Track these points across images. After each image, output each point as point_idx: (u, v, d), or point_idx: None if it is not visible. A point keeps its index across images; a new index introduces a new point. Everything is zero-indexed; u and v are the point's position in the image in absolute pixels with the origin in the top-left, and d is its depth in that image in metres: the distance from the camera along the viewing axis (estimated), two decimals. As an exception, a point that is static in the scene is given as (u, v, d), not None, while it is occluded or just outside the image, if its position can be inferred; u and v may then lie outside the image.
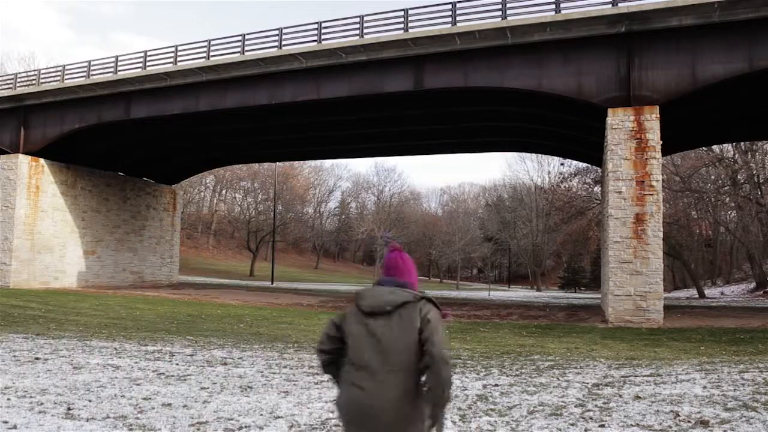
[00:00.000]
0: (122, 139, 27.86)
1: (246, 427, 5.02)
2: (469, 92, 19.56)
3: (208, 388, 6.61)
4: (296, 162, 70.01)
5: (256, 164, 61.10)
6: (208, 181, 70.04)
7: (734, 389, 6.83)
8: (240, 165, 57.95)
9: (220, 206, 75.53)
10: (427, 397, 2.45)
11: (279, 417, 5.37)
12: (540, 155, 60.24)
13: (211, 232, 72.55)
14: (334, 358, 2.70)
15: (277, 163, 53.61)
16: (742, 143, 33.17)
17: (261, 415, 5.44)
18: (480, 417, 5.49)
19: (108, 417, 5.21)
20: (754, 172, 34.40)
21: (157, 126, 25.75)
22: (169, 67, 22.51)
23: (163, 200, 33.42)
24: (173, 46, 22.73)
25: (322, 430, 4.98)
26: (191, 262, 54.43)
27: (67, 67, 25.36)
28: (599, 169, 29.56)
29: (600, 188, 31.31)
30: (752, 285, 39.14)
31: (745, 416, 5.51)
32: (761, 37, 15.28)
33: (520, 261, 69.86)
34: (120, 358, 8.60)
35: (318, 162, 79.33)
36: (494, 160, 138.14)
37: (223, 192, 75.78)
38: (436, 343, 2.46)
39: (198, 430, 4.89)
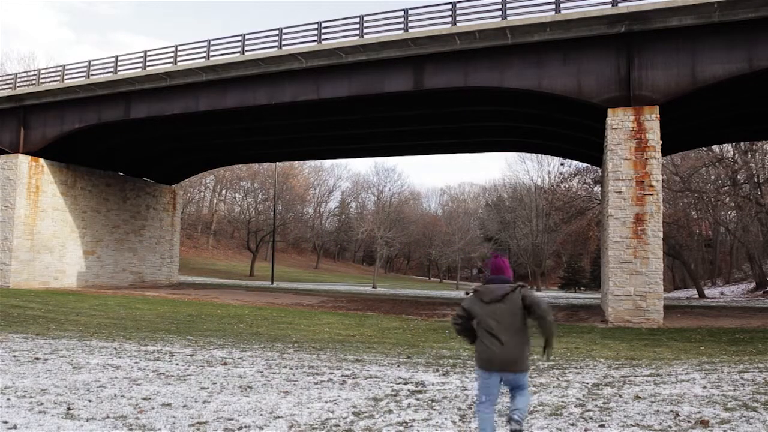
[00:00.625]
0: (122, 139, 27.87)
1: (246, 427, 5.02)
2: (469, 92, 19.57)
3: (208, 388, 6.61)
4: (296, 162, 69.99)
5: (256, 164, 61.09)
6: (208, 181, 70.05)
7: (734, 389, 6.83)
8: (240, 165, 57.93)
9: (220, 206, 75.55)
10: (543, 331, 4.21)
11: (279, 417, 5.37)
12: (540, 155, 60.26)
13: (211, 232, 72.53)
14: (463, 328, 4.39)
15: (277, 163, 53.58)
16: (741, 143, 33.17)
17: (261, 415, 5.44)
18: (480, 417, 5.49)
19: (108, 417, 5.21)
20: (754, 172, 34.40)
21: (157, 126, 25.75)
22: (169, 67, 22.50)
23: (163, 200, 33.43)
24: (173, 46, 22.74)
25: (322, 430, 4.98)
26: (191, 262, 54.42)
27: (66, 67, 25.36)
28: (599, 169, 29.57)
29: (600, 188, 31.32)
30: (752, 285, 39.16)
31: (745, 416, 5.52)
32: (761, 37, 15.28)
33: (520, 261, 69.71)
34: (120, 358, 8.60)
35: (318, 162, 79.42)
36: (494, 160, 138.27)
37: (223, 192, 75.81)
38: (540, 303, 4.15)
39: (198, 430, 4.89)
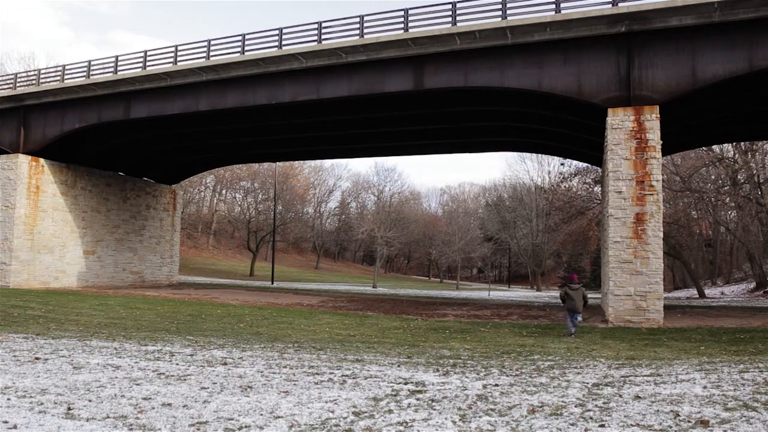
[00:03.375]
0: (122, 138, 27.89)
1: (246, 426, 5.02)
2: (469, 92, 19.58)
3: (208, 388, 6.61)
4: (296, 162, 70.05)
5: (256, 164, 61.10)
6: (208, 180, 70.08)
7: (734, 389, 6.83)
8: (240, 165, 57.96)
9: (220, 206, 75.59)
10: (585, 303, 13.47)
11: (279, 417, 5.37)
12: (540, 155, 60.28)
13: (211, 232, 72.57)
14: (563, 298, 13.43)
15: (277, 163, 53.59)
16: (742, 143, 33.15)
17: (261, 414, 5.44)
18: (480, 417, 5.49)
19: (108, 417, 5.21)
20: (754, 171, 34.38)
21: (157, 126, 25.77)
22: (169, 67, 22.51)
23: (163, 200, 33.44)
24: (173, 46, 22.75)
25: (322, 429, 4.98)
26: (191, 262, 54.44)
27: (67, 67, 25.37)
28: (599, 169, 29.56)
29: (600, 188, 31.30)
30: (752, 285, 39.16)
31: (745, 416, 5.51)
32: (761, 37, 15.28)
33: (520, 261, 69.87)
34: (120, 358, 8.60)
35: (318, 162, 79.48)
36: (494, 160, 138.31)
37: (223, 192, 75.86)
38: (586, 295, 13.56)
39: (198, 429, 4.89)
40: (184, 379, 7.06)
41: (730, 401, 6.16)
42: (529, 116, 22.27)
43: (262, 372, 7.72)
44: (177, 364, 8.21)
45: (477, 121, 23.67)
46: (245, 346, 10.27)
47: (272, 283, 42.72)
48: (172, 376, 7.28)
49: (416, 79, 19.08)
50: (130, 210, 31.10)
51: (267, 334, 12.44)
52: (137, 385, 6.66)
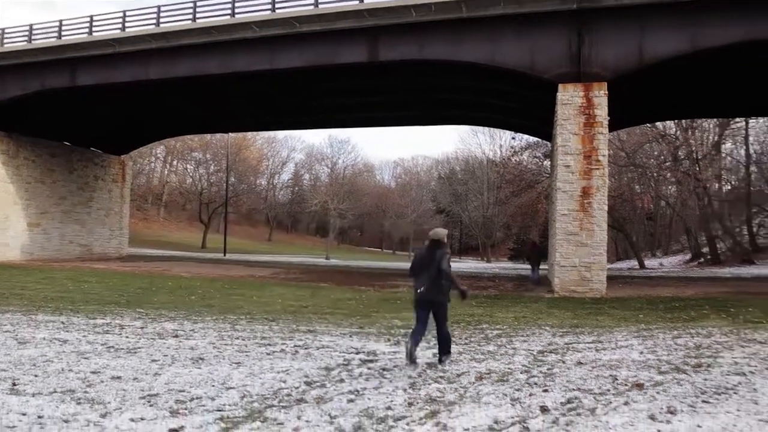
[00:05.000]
0: (68, 107, 26.69)
1: (197, 398, 5.04)
2: (424, 65, 19.56)
3: (159, 360, 6.58)
4: (249, 133, 68.89)
5: (209, 135, 59.86)
6: (158, 151, 68.24)
7: (668, 354, 7.24)
8: (192, 136, 56.69)
9: (171, 177, 73.81)
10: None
11: (231, 388, 5.42)
12: (492, 129, 60.90)
13: (162, 204, 70.99)
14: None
15: (230, 134, 52.64)
16: (683, 121, 34.35)
17: (213, 386, 5.48)
18: (429, 384, 5.67)
19: (55, 392, 5.15)
20: (694, 148, 35.75)
21: (106, 94, 24.77)
22: (117, 34, 21.63)
23: (111, 171, 32.37)
24: (121, 11, 21.89)
25: (274, 399, 5.05)
26: (141, 235, 53.27)
27: (6, 31, 24.04)
28: (549, 144, 30.17)
29: (549, 162, 31.99)
30: (688, 256, 41.07)
31: (676, 378, 5.86)
32: (704, 18, 15.72)
33: (471, 233, 70.90)
34: (67, 332, 8.44)
35: (271, 133, 78.38)
36: (447, 134, 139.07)
37: (174, 163, 74.04)
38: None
39: (148, 402, 4.89)
40: (134, 352, 7.01)
41: (664, 365, 6.53)
42: (483, 90, 22.46)
43: (213, 344, 7.72)
44: (127, 337, 8.13)
45: (431, 95, 23.73)
46: (197, 319, 10.22)
47: (224, 256, 42.26)
48: (122, 349, 7.21)
49: (371, 51, 18.94)
50: (77, 181, 30.02)
51: (219, 306, 12.38)
52: (85, 359, 6.58)
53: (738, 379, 5.82)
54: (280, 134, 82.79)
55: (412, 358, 6.52)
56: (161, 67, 21.68)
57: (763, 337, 8.41)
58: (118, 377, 5.72)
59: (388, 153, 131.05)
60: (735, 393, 5.27)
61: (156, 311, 11.08)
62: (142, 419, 4.40)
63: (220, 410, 4.69)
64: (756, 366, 6.41)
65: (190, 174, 70.39)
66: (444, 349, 6.66)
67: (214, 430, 4.20)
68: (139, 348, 7.29)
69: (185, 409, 4.71)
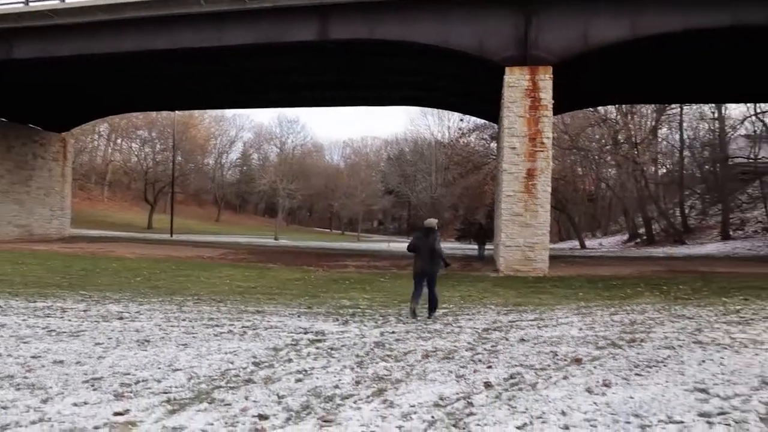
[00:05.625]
0: (4, 81, 25.29)
1: (143, 380, 4.99)
2: (375, 45, 19.46)
3: (103, 343, 6.46)
4: (196, 111, 67.32)
5: (154, 113, 58.14)
6: (101, 129, 65.78)
7: (605, 330, 7.58)
8: (137, 113, 55.02)
9: (116, 156, 71.41)
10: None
11: (178, 369, 5.38)
12: (441, 111, 61.30)
13: (106, 183, 68.74)
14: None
15: (177, 111, 51.30)
16: (623, 106, 35.51)
17: (159, 368, 5.42)
18: (377, 363, 5.77)
19: (-7, 377, 4.99)
20: (632, 133, 37.07)
21: (45, 68, 23.49)
22: (57, 4, 20.55)
23: (52, 149, 30.93)
24: (59, -19, 20.79)
25: (222, 380, 5.05)
26: (84, 215, 51.47)
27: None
28: (496, 126, 30.65)
29: (496, 144, 32.53)
30: (626, 236, 42.77)
31: (612, 353, 6.16)
32: (645, 6, 16.22)
33: (420, 214, 71.58)
34: (5, 315, 8.15)
35: (219, 112, 76.85)
36: (397, 115, 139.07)
37: (119, 141, 71.63)
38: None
39: (92, 386, 4.81)
40: (77, 336, 6.85)
41: (601, 341, 6.84)
42: (433, 72, 22.53)
43: (160, 325, 7.62)
44: (69, 320, 7.91)
45: (382, 75, 23.66)
46: (142, 300, 10.03)
47: (171, 236, 41.36)
48: (64, 332, 7.03)
49: (321, 30, 18.71)
50: (14, 159, 28.59)
51: (165, 287, 12.17)
52: (25, 343, 6.39)
53: (668, 352, 6.16)
54: (228, 113, 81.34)
55: (414, 315, 8.65)
56: (105, 42, 20.77)
57: (691, 313, 8.90)
58: (60, 361, 5.59)
59: (338, 133, 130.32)
60: (664, 366, 5.58)
61: (100, 293, 10.80)
62: (85, 403, 4.34)
63: (166, 392, 4.66)
64: (684, 340, 6.80)
65: (135, 153, 68.35)
66: (432, 307, 8.77)
67: (161, 413, 4.18)
68: (83, 331, 7.12)
69: (130, 392, 4.66)
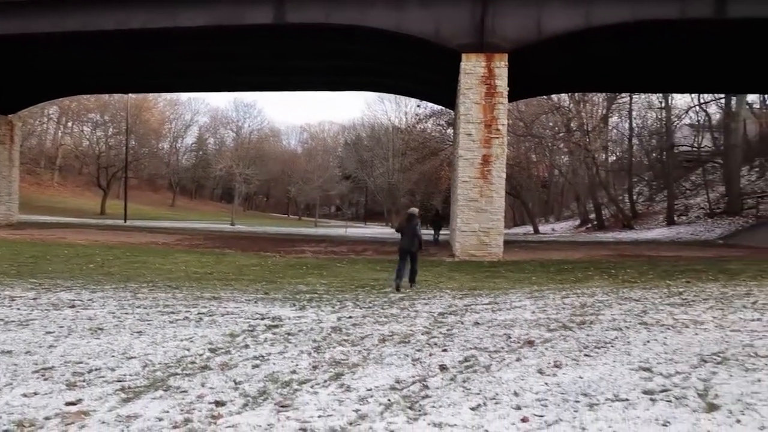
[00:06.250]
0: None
1: (96, 369, 4.91)
2: (332, 30, 19.29)
3: (55, 332, 6.31)
4: (150, 94, 65.59)
5: (107, 95, 56.36)
6: (50, 112, 63.32)
7: (557, 312, 7.81)
8: (88, 96, 53.26)
9: (66, 140, 68.90)
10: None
11: (132, 357, 5.31)
12: (398, 96, 61.35)
13: (56, 168, 66.41)
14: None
15: (130, 94, 49.90)
16: (576, 94, 36.27)
17: (113, 356, 5.34)
18: (334, 348, 5.82)
19: (-64, 368, 4.83)
20: (584, 120, 37.98)
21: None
22: (-9, -22, 19.63)
23: (-3, 131, 29.61)
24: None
25: (177, 368, 5.01)
26: (33, 200, 49.70)
27: None
28: (453, 112, 30.90)
29: (452, 130, 32.81)
30: (578, 222, 43.93)
31: (563, 335, 6.37)
32: (598, -4, 16.62)
33: (377, 199, 71.92)
34: (-54, 304, 7.85)
35: (174, 95, 75.23)
36: (354, 100, 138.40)
37: (69, 124, 69.12)
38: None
39: (43, 376, 4.70)
40: (27, 325, 6.66)
41: (553, 323, 7.06)
42: (390, 58, 22.51)
43: (114, 313, 7.48)
44: (18, 309, 7.67)
45: (340, 60, 23.49)
46: (95, 288, 9.80)
47: (125, 222, 40.42)
48: (13, 321, 6.82)
49: (278, 13, 18.44)
50: (-44, 143, 27.28)
51: (119, 274, 11.91)
52: (-30, 333, 6.18)
53: (615, 333, 6.40)
54: (183, 96, 79.68)
55: (398, 289, 10.14)
56: (51, 20, 19.91)
57: (637, 296, 9.26)
58: (9, 351, 5.44)
59: (295, 118, 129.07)
60: (612, 346, 5.81)
61: (51, 281, 10.50)
62: (35, 394, 4.25)
63: (120, 381, 4.60)
64: (630, 321, 7.07)
65: (87, 136, 66.28)
66: (412, 278, 10.67)
67: (115, 401, 4.13)
68: (32, 320, 6.93)
69: (83, 381, 4.59)
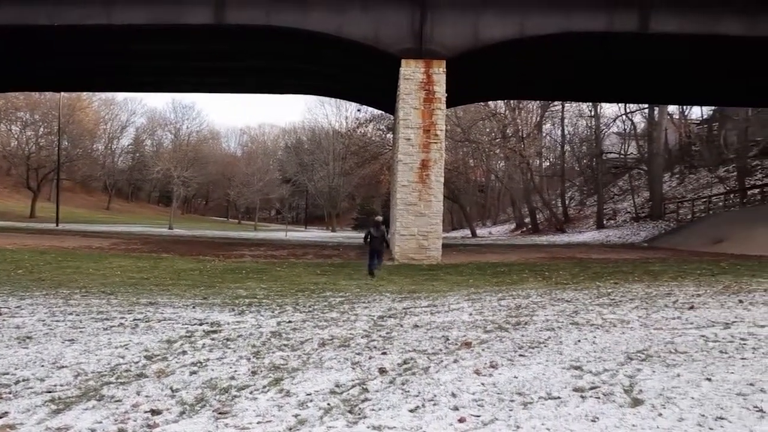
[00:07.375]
0: None
1: (24, 380, 4.73)
2: (273, 32, 19.16)
3: (-23, 342, 6.01)
4: (84, 93, 63.10)
5: (37, 93, 53.81)
6: (-24, 110, 60.02)
7: (493, 314, 8.02)
8: (16, 93, 50.71)
9: (-8, 139, 65.37)
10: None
11: (63, 367, 5.13)
12: (339, 100, 61.39)
13: (-18, 169, 62.88)
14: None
15: (62, 93, 47.81)
16: (512, 101, 37.34)
17: (42, 366, 5.15)
18: (273, 353, 5.79)
19: None
20: (520, 127, 39.12)
21: None
22: None
23: None
24: None
25: (111, 376, 4.89)
26: (-43, 203, 46.94)
27: None
28: (393, 117, 31.18)
29: (392, 135, 33.10)
30: (513, 225, 45.14)
31: (499, 336, 6.54)
32: (529, 8, 17.20)
33: (317, 203, 71.59)
34: None
35: (109, 95, 72.60)
36: (295, 103, 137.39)
37: (-4, 123, 65.62)
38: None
39: (-35, 389, 4.49)
40: (-54, 335, 6.32)
41: (489, 325, 7.24)
42: (330, 61, 22.52)
43: (44, 321, 7.18)
44: (-66, 318, 7.26)
45: (279, 62, 23.32)
46: (24, 294, 9.36)
47: (57, 225, 38.68)
48: (-71, 331, 6.46)
49: (217, 13, 18.16)
50: None
51: (50, 279, 11.41)
52: None
53: (548, 334, 6.63)
54: (119, 96, 77.07)
55: (372, 275, 12.93)
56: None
57: (569, 297, 9.63)
58: (-74, 363, 5.16)
59: (235, 120, 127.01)
60: (545, 346, 6.02)
61: (-29, 288, 9.96)
62: (-42, 407, 4.06)
63: (50, 391, 4.45)
64: (563, 322, 7.35)
65: (16, 136, 63.05)
66: (379, 265, 13.73)
67: (44, 413, 3.99)
68: (-49, 330, 6.58)
69: (9, 392, 4.40)
